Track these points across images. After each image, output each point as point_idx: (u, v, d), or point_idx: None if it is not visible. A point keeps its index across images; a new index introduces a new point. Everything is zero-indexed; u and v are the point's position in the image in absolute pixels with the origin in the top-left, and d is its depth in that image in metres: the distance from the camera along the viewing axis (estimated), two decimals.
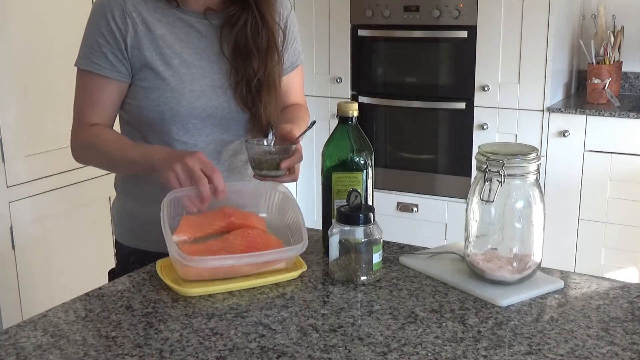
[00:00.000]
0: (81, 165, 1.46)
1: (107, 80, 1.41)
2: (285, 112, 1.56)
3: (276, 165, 1.36)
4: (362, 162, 1.33)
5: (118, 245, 1.59)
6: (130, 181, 1.53)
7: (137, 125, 1.47)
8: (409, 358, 0.98)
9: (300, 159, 1.38)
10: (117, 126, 1.51)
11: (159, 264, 1.29)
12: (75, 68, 1.45)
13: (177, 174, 1.26)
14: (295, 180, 1.41)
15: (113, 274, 1.57)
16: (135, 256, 1.51)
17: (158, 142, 1.45)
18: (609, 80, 3.10)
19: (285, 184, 1.40)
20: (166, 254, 1.28)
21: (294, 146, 1.38)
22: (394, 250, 1.39)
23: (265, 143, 1.43)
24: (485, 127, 3.21)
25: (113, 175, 1.61)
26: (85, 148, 1.46)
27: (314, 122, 1.48)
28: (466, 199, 1.23)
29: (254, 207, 1.39)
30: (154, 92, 1.41)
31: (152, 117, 1.42)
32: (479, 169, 1.20)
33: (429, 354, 0.99)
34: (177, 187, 1.26)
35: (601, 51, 3.15)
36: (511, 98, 3.15)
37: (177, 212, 1.30)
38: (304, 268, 1.27)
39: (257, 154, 1.38)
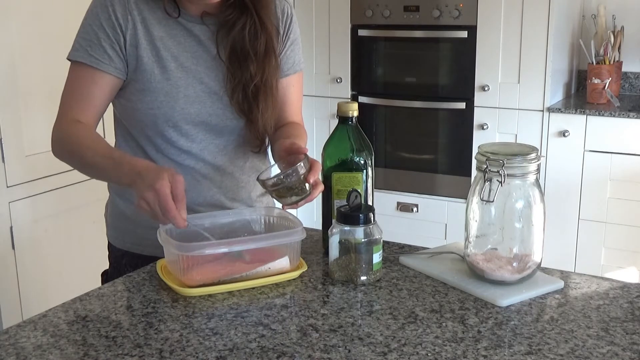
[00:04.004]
0: None
1: (103, 75, 1.38)
2: (281, 130, 1.50)
3: (301, 186, 1.24)
4: (362, 162, 1.33)
5: (110, 248, 1.57)
6: None
7: (131, 126, 1.45)
8: (409, 358, 0.98)
9: (320, 165, 1.28)
10: (111, 125, 1.50)
11: (159, 263, 1.29)
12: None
13: (149, 204, 1.18)
14: (322, 189, 1.29)
15: (106, 276, 1.57)
16: (128, 259, 1.50)
17: (150, 145, 1.43)
18: (609, 80, 3.10)
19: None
20: (159, 258, 1.28)
21: (305, 158, 1.27)
22: (394, 250, 1.39)
23: (274, 172, 1.28)
24: (485, 127, 3.21)
25: None
26: (66, 143, 1.40)
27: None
28: (466, 199, 1.23)
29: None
30: (148, 95, 1.39)
31: (145, 120, 1.41)
32: (479, 169, 1.20)
33: (429, 354, 0.99)
34: (150, 215, 1.20)
35: (601, 51, 3.15)
36: (511, 98, 3.15)
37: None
38: (304, 268, 1.27)
39: (276, 185, 1.25)
